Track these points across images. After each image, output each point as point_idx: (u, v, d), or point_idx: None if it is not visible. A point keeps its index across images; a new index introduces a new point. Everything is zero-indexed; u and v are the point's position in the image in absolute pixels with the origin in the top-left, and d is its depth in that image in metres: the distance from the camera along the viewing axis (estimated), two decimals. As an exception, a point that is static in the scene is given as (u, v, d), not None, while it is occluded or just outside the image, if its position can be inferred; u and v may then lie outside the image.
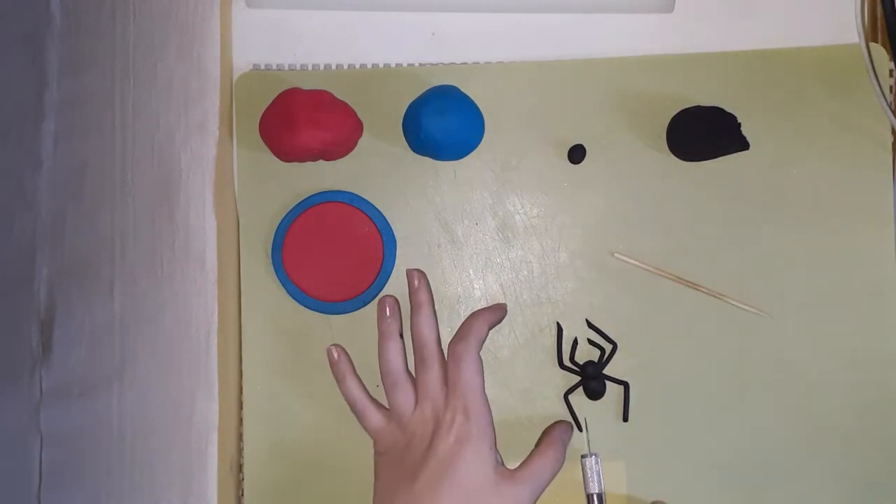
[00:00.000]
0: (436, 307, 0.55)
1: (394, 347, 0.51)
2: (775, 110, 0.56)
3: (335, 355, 0.53)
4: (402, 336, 0.52)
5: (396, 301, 0.53)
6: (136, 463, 0.42)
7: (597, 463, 0.52)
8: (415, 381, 0.51)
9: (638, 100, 0.56)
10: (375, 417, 0.51)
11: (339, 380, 0.52)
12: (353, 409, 0.52)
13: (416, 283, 0.52)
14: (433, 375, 0.49)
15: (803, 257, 0.55)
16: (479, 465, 0.46)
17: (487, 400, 0.48)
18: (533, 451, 0.50)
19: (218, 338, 0.52)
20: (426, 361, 0.50)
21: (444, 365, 0.50)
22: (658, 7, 0.56)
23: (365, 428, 0.52)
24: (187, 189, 0.49)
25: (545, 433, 0.51)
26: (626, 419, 0.54)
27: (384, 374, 0.51)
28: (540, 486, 0.47)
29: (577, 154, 0.55)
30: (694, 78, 0.56)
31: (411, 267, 0.54)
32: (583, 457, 0.53)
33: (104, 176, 0.40)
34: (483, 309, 0.52)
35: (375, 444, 0.51)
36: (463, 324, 0.51)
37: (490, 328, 0.51)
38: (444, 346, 0.51)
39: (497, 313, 0.52)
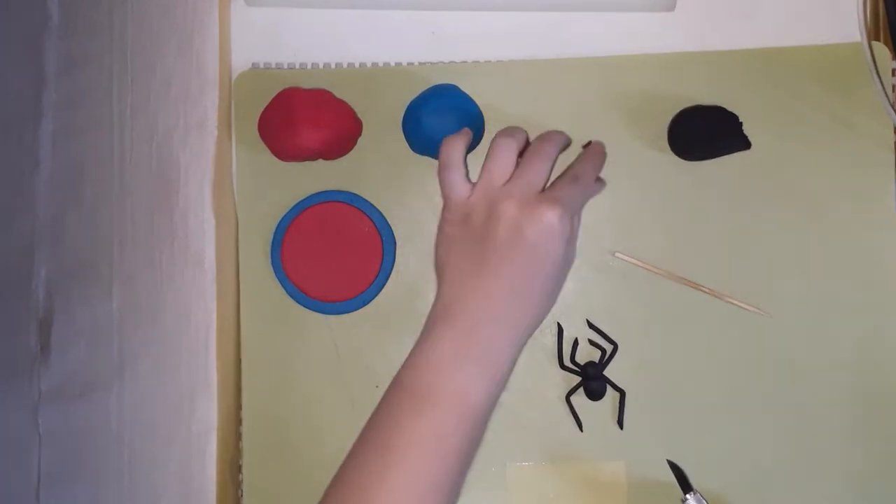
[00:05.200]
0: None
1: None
2: (777, 109, 0.55)
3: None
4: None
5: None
6: (135, 463, 0.42)
7: (699, 501, 0.49)
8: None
9: (638, 99, 0.56)
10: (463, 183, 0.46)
11: (453, 140, 0.47)
12: (447, 163, 0.46)
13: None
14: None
15: (804, 257, 0.55)
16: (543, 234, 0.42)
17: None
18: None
19: (218, 338, 0.52)
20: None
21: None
22: (659, 6, 0.56)
23: (447, 191, 0.46)
24: (186, 189, 0.49)
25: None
26: (621, 426, 0.54)
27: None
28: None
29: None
30: (695, 77, 0.56)
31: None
32: (683, 502, 0.50)
33: (103, 175, 0.40)
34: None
35: (446, 217, 0.46)
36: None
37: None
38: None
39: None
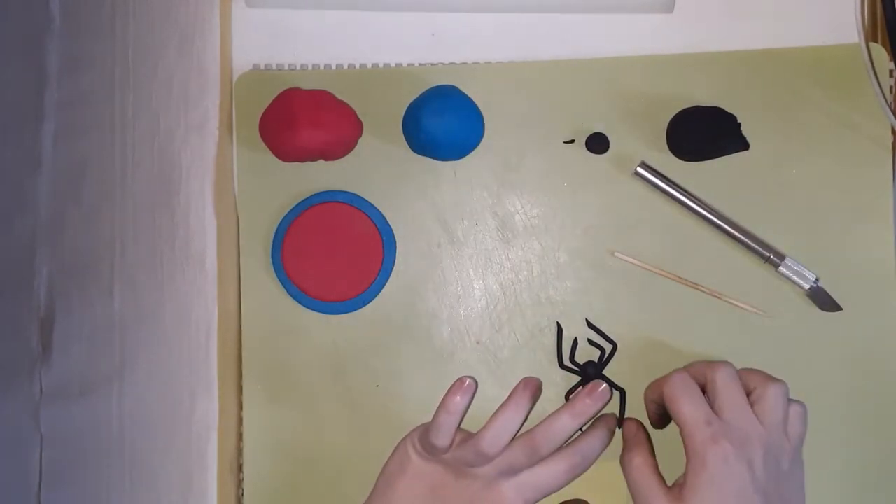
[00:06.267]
0: (436, 306, 0.55)
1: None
2: (775, 110, 0.56)
3: (466, 382, 0.42)
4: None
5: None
6: (136, 463, 0.42)
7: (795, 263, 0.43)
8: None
9: (638, 100, 0.56)
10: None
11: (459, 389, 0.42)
12: (444, 416, 0.42)
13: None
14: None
15: (802, 257, 0.55)
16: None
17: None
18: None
19: (218, 338, 0.52)
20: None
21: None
22: (658, 7, 0.56)
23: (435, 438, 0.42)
24: (187, 189, 0.49)
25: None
26: (620, 426, 0.54)
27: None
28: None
29: (595, 142, 0.54)
30: (694, 78, 0.56)
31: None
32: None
33: (104, 176, 0.40)
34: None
35: (417, 439, 0.44)
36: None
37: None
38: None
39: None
